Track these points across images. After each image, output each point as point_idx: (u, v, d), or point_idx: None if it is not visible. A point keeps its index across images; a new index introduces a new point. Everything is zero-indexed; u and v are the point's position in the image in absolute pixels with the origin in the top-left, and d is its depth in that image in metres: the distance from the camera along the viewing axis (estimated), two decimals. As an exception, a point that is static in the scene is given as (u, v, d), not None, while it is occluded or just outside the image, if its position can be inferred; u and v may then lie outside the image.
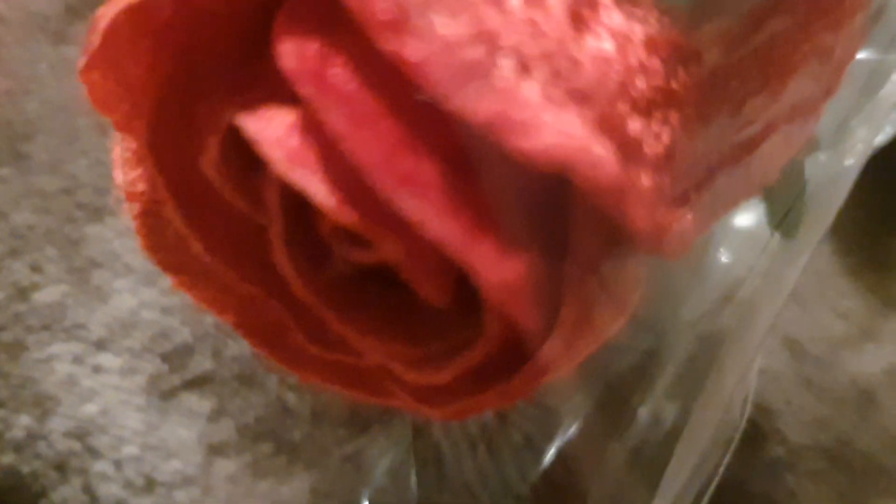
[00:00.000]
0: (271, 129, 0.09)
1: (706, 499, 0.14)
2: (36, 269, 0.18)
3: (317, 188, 0.09)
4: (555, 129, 0.09)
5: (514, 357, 0.11)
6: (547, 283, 0.10)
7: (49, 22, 0.18)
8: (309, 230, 0.11)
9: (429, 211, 0.09)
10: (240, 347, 0.18)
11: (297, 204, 0.11)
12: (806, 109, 0.12)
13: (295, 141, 0.09)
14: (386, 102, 0.09)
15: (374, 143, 0.09)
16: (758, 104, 0.12)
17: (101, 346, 0.18)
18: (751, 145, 0.12)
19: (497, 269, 0.09)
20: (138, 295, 0.18)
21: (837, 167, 0.13)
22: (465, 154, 0.09)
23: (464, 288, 0.11)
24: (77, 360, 0.18)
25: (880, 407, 0.22)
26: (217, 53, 0.11)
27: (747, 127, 0.12)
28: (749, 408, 0.14)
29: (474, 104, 0.09)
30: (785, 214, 0.13)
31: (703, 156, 0.11)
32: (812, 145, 0.13)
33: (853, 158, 0.13)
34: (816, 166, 0.13)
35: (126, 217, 0.13)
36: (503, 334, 0.10)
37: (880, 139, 0.19)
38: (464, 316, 0.11)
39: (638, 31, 0.10)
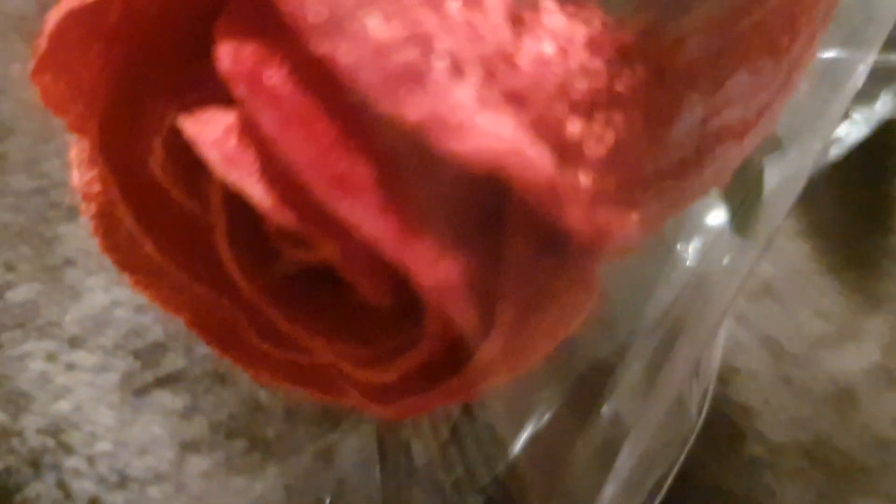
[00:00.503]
0: (209, 131, 0.09)
1: (661, 495, 0.14)
2: (9, 267, 0.18)
3: (253, 189, 0.09)
4: (486, 130, 0.09)
5: (458, 357, 0.11)
6: (485, 284, 0.10)
7: (23, 22, 0.19)
8: (254, 230, 0.11)
9: (362, 212, 0.09)
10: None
11: (242, 204, 0.11)
12: (762, 110, 0.12)
13: (232, 142, 0.09)
14: (320, 104, 0.09)
15: (307, 145, 0.09)
16: (712, 106, 0.12)
17: (74, 343, 0.18)
18: (706, 149, 0.12)
19: (432, 269, 0.09)
20: (111, 293, 0.18)
21: (797, 167, 0.13)
22: (399, 156, 0.09)
23: (407, 288, 0.11)
24: (50, 357, 0.18)
25: (860, 406, 0.22)
26: (164, 55, 0.11)
27: (702, 129, 0.12)
28: (708, 404, 0.14)
29: (406, 107, 0.09)
30: (743, 214, 0.13)
31: (654, 158, 0.11)
32: (773, 144, 0.13)
33: (812, 158, 0.13)
34: (776, 166, 0.13)
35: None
36: (445, 334, 0.10)
37: (856, 135, 0.19)
38: (409, 316, 0.11)
39: (580, 33, 0.10)
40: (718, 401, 0.22)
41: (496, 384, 0.12)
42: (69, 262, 0.18)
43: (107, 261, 0.18)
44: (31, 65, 0.11)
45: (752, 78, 0.12)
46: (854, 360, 0.22)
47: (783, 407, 0.22)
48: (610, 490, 0.13)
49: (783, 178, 0.13)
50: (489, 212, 0.10)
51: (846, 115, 0.18)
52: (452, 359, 0.11)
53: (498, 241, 0.10)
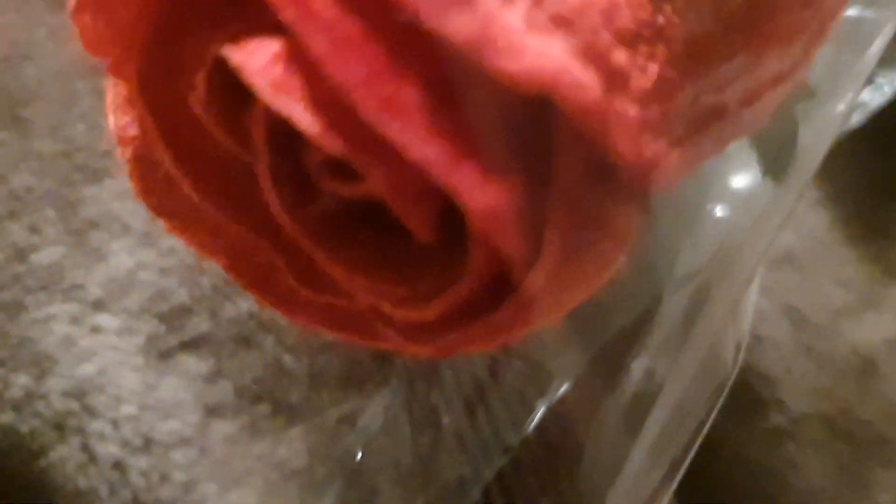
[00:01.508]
0: (256, 59, 0.09)
1: (695, 448, 0.14)
2: (34, 230, 0.18)
3: (301, 115, 0.09)
4: (537, 51, 0.09)
5: (500, 292, 0.11)
6: (533, 212, 0.10)
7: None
8: (297, 166, 0.11)
9: (411, 134, 0.09)
10: (237, 309, 0.18)
11: (284, 140, 0.11)
12: (798, 57, 0.12)
13: (279, 69, 0.09)
14: (369, 27, 0.09)
15: (356, 67, 0.09)
16: (752, 47, 0.12)
17: (98, 306, 0.18)
18: (745, 90, 0.12)
19: (480, 193, 0.09)
20: (136, 256, 0.18)
21: (828, 115, 0.13)
22: (448, 79, 0.09)
23: (451, 227, 0.11)
24: (75, 320, 0.18)
25: (881, 376, 0.22)
26: (205, -10, 0.11)
27: (741, 71, 0.12)
28: (742, 356, 0.14)
29: (456, 26, 0.09)
30: (775, 159, 0.13)
31: (695, 95, 0.11)
32: (804, 92, 0.13)
33: (843, 106, 0.13)
34: (807, 112, 0.13)
35: (123, 177, 0.13)
36: (489, 267, 0.10)
37: (879, 100, 0.19)
38: (451, 255, 0.11)
39: (624, -36, 0.10)
40: (741, 369, 0.22)
41: (536, 328, 0.12)
42: (93, 224, 0.18)
43: (132, 223, 0.18)
44: (70, 4, 0.11)
45: (789, 24, 0.12)
46: (875, 329, 0.22)
47: (804, 377, 0.22)
48: (642, 443, 0.13)
49: (815, 129, 0.13)
50: (538, 137, 0.10)
51: (870, 80, 0.18)
52: (495, 295, 0.11)
53: (546, 168, 0.10)
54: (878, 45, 0.15)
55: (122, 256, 0.18)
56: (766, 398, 0.22)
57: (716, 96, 0.12)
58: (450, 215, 0.11)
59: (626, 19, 0.10)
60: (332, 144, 0.09)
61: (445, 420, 0.17)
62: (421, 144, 0.09)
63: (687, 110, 0.11)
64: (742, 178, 0.16)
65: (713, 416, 0.13)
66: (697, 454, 0.22)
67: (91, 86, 0.19)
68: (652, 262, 0.16)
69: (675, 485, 0.15)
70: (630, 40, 0.10)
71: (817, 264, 0.22)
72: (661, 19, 0.11)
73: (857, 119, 0.19)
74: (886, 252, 0.22)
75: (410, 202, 0.10)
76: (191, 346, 0.18)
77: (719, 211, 0.15)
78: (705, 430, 0.14)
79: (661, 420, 0.14)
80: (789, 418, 0.22)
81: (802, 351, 0.22)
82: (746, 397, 0.22)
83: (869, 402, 0.22)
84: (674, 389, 0.13)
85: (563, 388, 0.17)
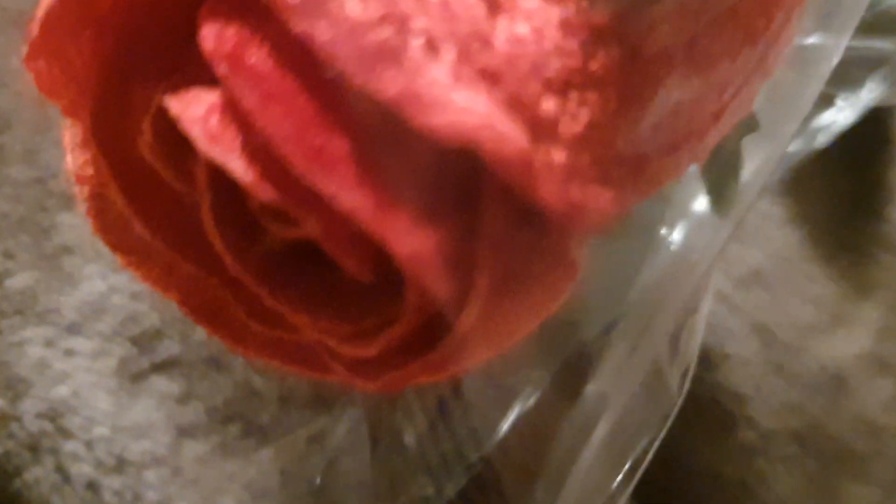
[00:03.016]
0: (193, 109, 0.10)
1: (641, 469, 0.14)
2: (8, 255, 0.18)
3: (235, 164, 0.10)
4: (461, 106, 0.09)
5: (438, 332, 0.11)
6: (461, 257, 0.10)
7: (23, 17, 0.19)
8: (239, 208, 0.11)
9: (339, 184, 0.09)
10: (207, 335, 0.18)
11: (227, 183, 0.11)
12: (737, 91, 0.13)
13: (215, 120, 0.10)
14: (299, 82, 0.09)
15: (286, 120, 0.09)
16: (687, 87, 0.12)
17: (72, 330, 0.18)
18: (681, 129, 0.12)
19: (407, 239, 0.09)
20: (108, 280, 0.18)
21: (772, 149, 0.13)
22: (376, 131, 0.09)
23: (388, 264, 0.11)
24: (49, 343, 0.18)
25: (851, 392, 0.22)
26: (152, 39, 0.11)
27: (677, 110, 0.12)
28: (688, 384, 0.14)
29: (382, 83, 0.09)
30: (719, 193, 0.13)
31: (629, 137, 0.12)
32: (751, 126, 0.13)
33: (786, 141, 0.13)
34: (752, 147, 0.13)
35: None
36: (425, 308, 0.11)
37: (842, 122, 0.19)
38: (390, 293, 0.11)
39: (554, 14, 0.10)
40: (710, 387, 0.22)
41: (479, 362, 0.13)
42: (67, 250, 0.19)
43: (104, 249, 0.19)
44: (24, 51, 0.12)
45: (727, 61, 0.13)
46: (845, 346, 0.22)
47: (774, 393, 0.22)
48: (585, 461, 0.13)
49: (759, 159, 0.13)
50: (465, 187, 0.10)
51: (832, 103, 0.18)
52: (433, 334, 0.11)
53: (474, 216, 0.10)
54: (823, 72, 0.15)
55: (94, 281, 0.18)
56: (736, 415, 0.22)
57: (654, 135, 0.12)
58: (388, 256, 0.11)
59: (556, 68, 0.10)
60: (265, 193, 0.10)
61: (409, 439, 0.17)
62: (349, 194, 0.09)
63: (623, 151, 0.12)
64: (692, 202, 0.16)
65: (657, 443, 0.14)
66: (668, 471, 0.22)
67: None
68: (609, 284, 0.16)
69: (632, 485, 0.15)
70: (560, 88, 0.10)
71: (786, 282, 0.22)
72: (593, 65, 0.11)
73: (821, 141, 0.20)
74: (855, 269, 0.22)
75: (345, 246, 0.10)
76: (162, 368, 0.18)
77: (674, 235, 0.16)
78: (657, 445, 0.15)
79: (608, 433, 0.15)
80: (759, 434, 0.22)
81: (772, 368, 0.22)
82: (716, 414, 0.22)
83: (838, 417, 0.22)
84: (617, 405, 0.13)
85: (525, 407, 0.17)
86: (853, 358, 0.23)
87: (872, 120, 0.21)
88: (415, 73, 0.09)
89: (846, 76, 0.19)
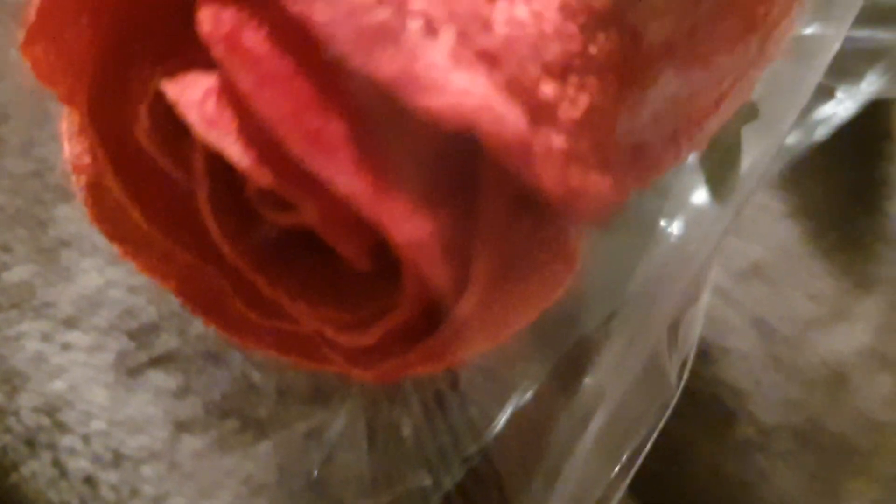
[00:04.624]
0: (190, 93, 0.10)
1: (639, 460, 0.14)
2: (6, 249, 0.18)
3: (231, 148, 0.09)
4: (459, 88, 0.09)
5: (437, 319, 0.11)
6: (460, 243, 0.10)
7: (20, 10, 0.19)
8: (237, 195, 0.11)
9: (337, 167, 0.09)
10: (204, 326, 0.18)
11: (225, 169, 0.11)
12: (737, 79, 0.13)
13: (212, 103, 0.10)
14: (296, 64, 0.09)
15: (283, 102, 0.09)
16: (688, 74, 0.12)
17: (69, 324, 0.18)
18: (681, 116, 0.12)
19: (405, 224, 0.09)
20: (105, 274, 0.18)
21: (772, 138, 0.13)
22: (374, 114, 0.09)
23: (387, 252, 0.11)
24: (46, 337, 0.18)
25: (851, 388, 0.22)
26: (150, 23, 0.11)
27: (677, 96, 0.12)
28: (686, 375, 0.14)
29: (379, 64, 0.09)
30: (719, 181, 0.13)
31: (629, 123, 0.12)
32: (751, 114, 0.13)
33: (787, 125, 0.13)
34: (751, 136, 0.13)
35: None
36: (423, 296, 0.10)
37: (842, 115, 0.19)
38: (388, 281, 0.11)
39: (554, -3, 0.10)
40: (709, 382, 0.22)
41: (477, 351, 0.13)
42: (64, 243, 0.18)
43: (101, 242, 0.18)
44: (20, 36, 0.12)
45: (727, 49, 0.13)
46: (845, 341, 0.22)
47: (774, 388, 0.22)
48: (582, 452, 0.13)
49: (758, 148, 0.13)
50: (465, 171, 0.10)
51: (832, 95, 0.18)
52: (431, 322, 0.11)
53: (473, 202, 0.10)
54: (821, 61, 0.15)
55: (91, 275, 0.18)
56: (736, 410, 0.22)
57: (653, 122, 0.12)
58: (386, 242, 0.11)
59: (555, 52, 0.10)
60: (262, 177, 0.09)
61: (406, 432, 0.17)
62: (347, 178, 0.09)
63: (623, 137, 0.12)
64: (691, 194, 0.16)
65: (661, 424, 0.14)
66: (667, 467, 0.22)
67: (63, 106, 0.19)
68: (609, 276, 0.16)
69: (630, 477, 0.15)
70: (559, 72, 0.10)
71: (786, 276, 0.22)
72: (593, 49, 0.11)
73: (821, 133, 0.20)
74: (856, 264, 0.22)
75: (343, 232, 0.10)
76: (160, 362, 0.18)
77: (673, 227, 0.15)
78: (654, 436, 0.15)
79: (605, 425, 0.15)
80: (759, 430, 0.22)
81: (772, 363, 0.22)
82: (716, 410, 0.22)
83: (839, 413, 0.22)
84: (614, 397, 0.13)
85: (523, 400, 0.17)
86: (854, 353, 0.23)
87: (873, 113, 0.21)
88: (413, 54, 0.09)
89: (846, 68, 0.19)
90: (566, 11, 0.10)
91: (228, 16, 0.10)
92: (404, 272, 0.10)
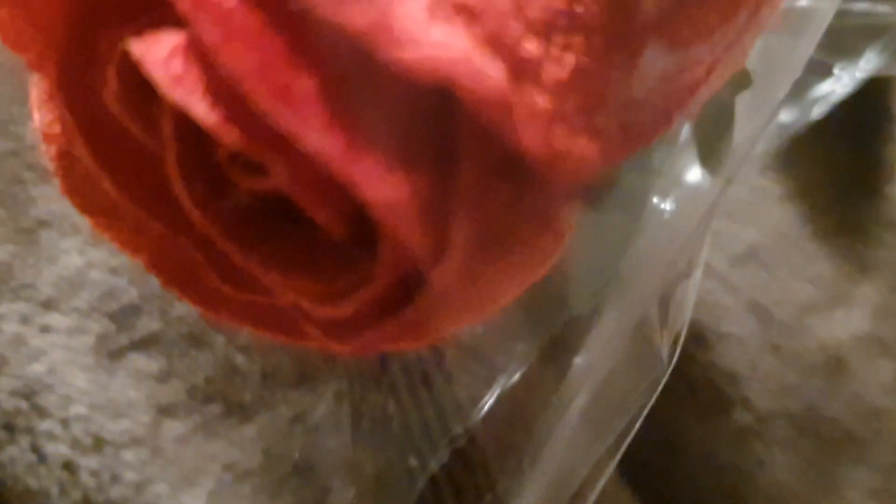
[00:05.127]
0: (156, 51, 0.09)
1: (629, 437, 0.13)
2: (-17, 229, 0.18)
3: (198, 106, 0.09)
4: (436, 40, 0.09)
5: (414, 289, 0.10)
6: (438, 206, 0.09)
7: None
8: (207, 161, 0.11)
9: (306, 124, 0.09)
10: (187, 308, 0.18)
11: (194, 133, 0.10)
12: (729, 47, 0.12)
13: (178, 61, 0.09)
14: (264, 16, 0.09)
15: (250, 56, 0.09)
16: (677, 39, 0.12)
17: (48, 305, 0.18)
18: (671, 81, 0.12)
19: (379, 185, 0.09)
20: (86, 255, 0.18)
21: (764, 104, 0.13)
22: (346, 68, 0.09)
23: (363, 219, 0.11)
24: (25, 319, 0.18)
25: (850, 373, 0.22)
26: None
27: (666, 61, 0.12)
28: (678, 352, 0.14)
29: (351, 14, 0.09)
30: (711, 151, 0.13)
31: (617, 86, 0.11)
32: (743, 83, 0.13)
33: (780, 95, 0.13)
34: (744, 106, 0.13)
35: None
36: (400, 263, 0.10)
37: (839, 93, 0.19)
38: (365, 250, 0.11)
39: (537, -49, 0.10)
40: (705, 367, 0.22)
41: (460, 325, 0.12)
42: (44, 223, 0.18)
43: (82, 223, 0.18)
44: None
45: (718, 16, 0.12)
46: (843, 326, 0.22)
47: (771, 374, 0.22)
48: (567, 430, 0.13)
49: (750, 120, 0.13)
50: (443, 130, 0.10)
51: (829, 72, 0.18)
52: (409, 293, 0.11)
53: (452, 163, 0.10)
54: (814, 33, 0.14)
55: (72, 255, 0.18)
56: (732, 396, 0.21)
57: (642, 87, 0.12)
58: (362, 210, 0.10)
59: (538, 9, 0.10)
60: (229, 137, 0.09)
61: (392, 413, 0.16)
62: (317, 136, 0.09)
63: (611, 101, 0.11)
64: (683, 171, 0.16)
65: (646, 410, 0.13)
66: (661, 453, 0.22)
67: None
68: (599, 255, 0.16)
69: (618, 456, 0.15)
70: (543, 30, 0.10)
71: (784, 260, 0.21)
72: (579, 8, 0.10)
73: (818, 112, 0.19)
74: (854, 247, 0.22)
75: (315, 196, 0.10)
76: (141, 345, 0.18)
77: (666, 204, 0.15)
78: (645, 412, 0.14)
79: (592, 401, 0.14)
80: (756, 416, 0.22)
81: (769, 348, 0.21)
82: (712, 396, 0.21)
83: (836, 399, 0.22)
84: (601, 372, 0.13)
85: (510, 380, 0.17)
86: (852, 338, 0.22)
87: (871, 93, 0.21)
88: (387, 4, 0.09)
89: (844, 45, 0.19)
90: (550, -33, 0.10)
91: (195, -32, 0.09)
92: (380, 238, 0.10)
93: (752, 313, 0.21)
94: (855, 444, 0.22)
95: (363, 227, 0.11)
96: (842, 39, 0.18)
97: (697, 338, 0.20)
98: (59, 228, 0.18)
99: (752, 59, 0.13)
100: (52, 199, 0.18)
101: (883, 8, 0.17)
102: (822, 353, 0.22)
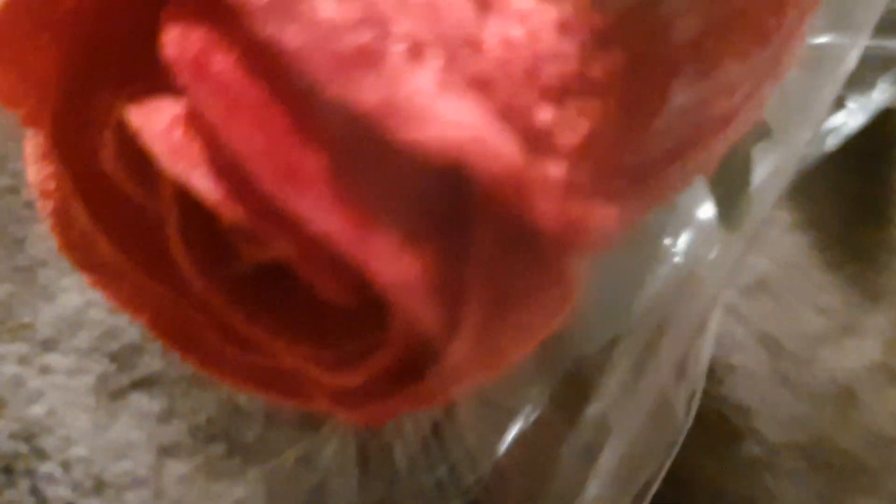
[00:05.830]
0: (155, 121, 0.09)
1: (648, 498, 0.13)
2: (-20, 268, 0.18)
3: (199, 182, 0.09)
4: (447, 118, 0.08)
5: (427, 359, 0.10)
6: (451, 283, 0.09)
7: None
8: (210, 226, 0.10)
9: (314, 205, 0.08)
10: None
11: (195, 199, 0.10)
12: (748, 96, 0.12)
13: (178, 133, 0.09)
14: (269, 92, 0.08)
15: (255, 134, 0.08)
16: (696, 93, 0.11)
17: (47, 346, 0.17)
18: (689, 138, 0.12)
19: (391, 266, 0.09)
20: (85, 294, 0.17)
21: (786, 156, 0.12)
22: (354, 146, 0.09)
23: (370, 287, 0.10)
24: (23, 360, 0.17)
25: (861, 404, 0.22)
26: (115, 43, 0.10)
27: (685, 118, 0.11)
28: (696, 406, 0.13)
29: (359, 92, 0.08)
30: (728, 205, 0.13)
31: (634, 147, 0.11)
32: (761, 132, 0.13)
33: (801, 147, 0.13)
34: (764, 155, 0.12)
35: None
36: (412, 335, 0.10)
37: (852, 125, 0.18)
38: (374, 316, 0.10)
39: (550, 15, 0.10)
40: (715, 399, 0.22)
41: (473, 385, 0.12)
42: (42, 262, 0.18)
43: (81, 261, 0.18)
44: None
45: (737, 63, 0.12)
46: (854, 357, 0.22)
47: (781, 406, 0.22)
48: (593, 490, 0.13)
49: (771, 167, 0.12)
50: (453, 206, 0.09)
51: (842, 104, 0.18)
52: (421, 362, 0.10)
53: (463, 238, 0.09)
54: (840, 74, 0.14)
55: (71, 294, 0.18)
56: (742, 428, 0.21)
57: (659, 143, 0.11)
58: (365, 278, 0.10)
59: (552, 74, 0.10)
60: (233, 213, 0.09)
61: (400, 461, 0.16)
62: (325, 216, 0.08)
63: (627, 161, 0.11)
64: (703, 211, 0.16)
65: (664, 471, 0.13)
66: (674, 487, 0.21)
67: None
68: (610, 298, 0.16)
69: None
70: (557, 96, 0.10)
71: (793, 290, 0.21)
72: (593, 71, 0.10)
73: (831, 144, 0.19)
74: (864, 276, 0.21)
75: (322, 270, 0.09)
76: (143, 385, 0.18)
77: (679, 245, 0.15)
78: (666, 467, 0.14)
79: (615, 460, 0.14)
80: (766, 448, 0.21)
81: (779, 380, 0.21)
82: (722, 428, 0.21)
83: (847, 430, 0.21)
84: (622, 428, 0.13)
85: (523, 427, 0.17)
86: (863, 369, 0.22)
87: (881, 122, 0.20)
88: (396, 81, 0.08)
89: (857, 77, 0.18)
90: (564, 30, 0.10)
91: (195, 38, 0.09)
92: (391, 312, 0.10)
93: (762, 345, 0.21)
94: (866, 474, 0.21)
95: (371, 293, 0.11)
96: (854, 72, 0.17)
97: (708, 370, 0.20)
98: (57, 267, 0.18)
99: (772, 102, 0.12)
100: (49, 237, 0.18)
101: (894, 42, 0.17)
102: (833, 383, 0.21)
